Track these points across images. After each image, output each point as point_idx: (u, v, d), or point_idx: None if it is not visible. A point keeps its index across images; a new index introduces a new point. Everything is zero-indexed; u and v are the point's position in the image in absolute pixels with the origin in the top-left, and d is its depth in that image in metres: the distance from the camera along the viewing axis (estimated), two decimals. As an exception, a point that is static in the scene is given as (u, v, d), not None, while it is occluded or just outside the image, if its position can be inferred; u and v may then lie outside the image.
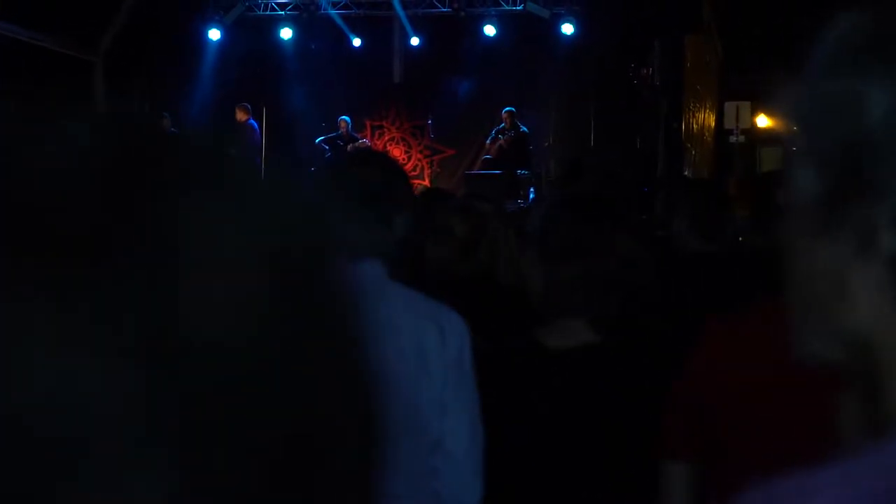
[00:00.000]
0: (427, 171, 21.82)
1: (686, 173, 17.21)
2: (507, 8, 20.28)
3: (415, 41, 20.84)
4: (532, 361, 3.10)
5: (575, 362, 3.01)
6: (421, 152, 21.88)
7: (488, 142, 18.77)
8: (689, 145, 18.01)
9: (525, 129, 18.61)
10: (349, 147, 18.68)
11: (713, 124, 20.05)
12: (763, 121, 22.96)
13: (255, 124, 18.57)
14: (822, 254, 0.92)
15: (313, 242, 0.59)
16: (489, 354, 3.22)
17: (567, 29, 19.68)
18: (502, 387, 3.13)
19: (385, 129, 22.01)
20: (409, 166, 21.75)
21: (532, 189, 17.65)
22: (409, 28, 20.67)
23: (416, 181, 21.25)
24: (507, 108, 18.57)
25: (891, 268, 0.86)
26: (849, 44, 0.93)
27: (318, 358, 0.58)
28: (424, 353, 3.02)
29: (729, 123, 20.40)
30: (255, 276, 0.53)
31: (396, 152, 21.77)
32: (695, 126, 18.16)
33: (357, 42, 21.01)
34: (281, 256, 0.55)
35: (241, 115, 18.68)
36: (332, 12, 20.64)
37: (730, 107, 20.62)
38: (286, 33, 21.06)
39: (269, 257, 0.54)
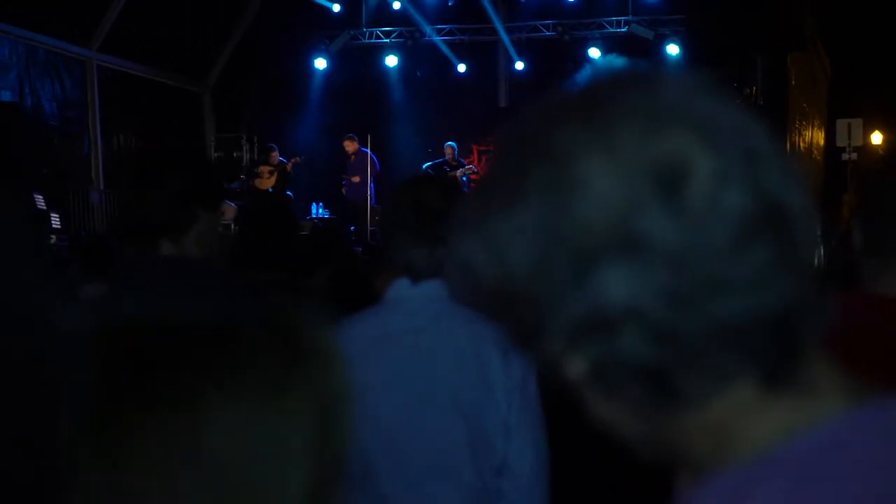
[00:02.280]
0: (534, 195, 21.79)
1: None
2: (611, 30, 20.25)
3: (519, 65, 20.89)
4: None
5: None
6: (528, 176, 21.85)
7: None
8: (796, 163, 17.75)
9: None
10: (456, 172, 18.76)
11: (822, 142, 19.75)
12: (878, 138, 22.59)
13: (368, 151, 18.72)
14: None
15: None
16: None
17: (672, 50, 19.60)
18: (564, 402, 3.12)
19: (492, 154, 22.03)
20: (515, 190, 21.76)
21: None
22: (513, 52, 20.73)
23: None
24: None
25: (597, 381, 0.92)
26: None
27: None
28: (488, 375, 3.02)
29: (841, 141, 20.05)
30: None
31: (503, 176, 21.80)
32: (801, 144, 17.89)
33: (462, 68, 21.13)
34: None
35: (350, 146, 18.84)
36: (437, 39, 20.80)
37: (841, 124, 20.28)
38: (391, 60, 21.28)
39: None
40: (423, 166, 19.27)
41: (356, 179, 18.64)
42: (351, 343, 3.10)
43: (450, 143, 19.57)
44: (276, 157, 18.85)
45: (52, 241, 12.97)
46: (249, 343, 1.03)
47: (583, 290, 0.86)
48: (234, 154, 20.69)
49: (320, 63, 21.35)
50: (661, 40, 19.77)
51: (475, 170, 20.35)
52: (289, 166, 18.68)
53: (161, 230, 3.18)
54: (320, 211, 19.92)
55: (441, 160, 19.34)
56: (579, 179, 0.85)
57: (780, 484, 0.86)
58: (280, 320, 1.08)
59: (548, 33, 20.58)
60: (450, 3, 20.88)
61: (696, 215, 0.84)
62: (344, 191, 18.94)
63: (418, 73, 21.45)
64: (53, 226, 14.40)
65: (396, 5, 20.49)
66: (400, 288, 3.12)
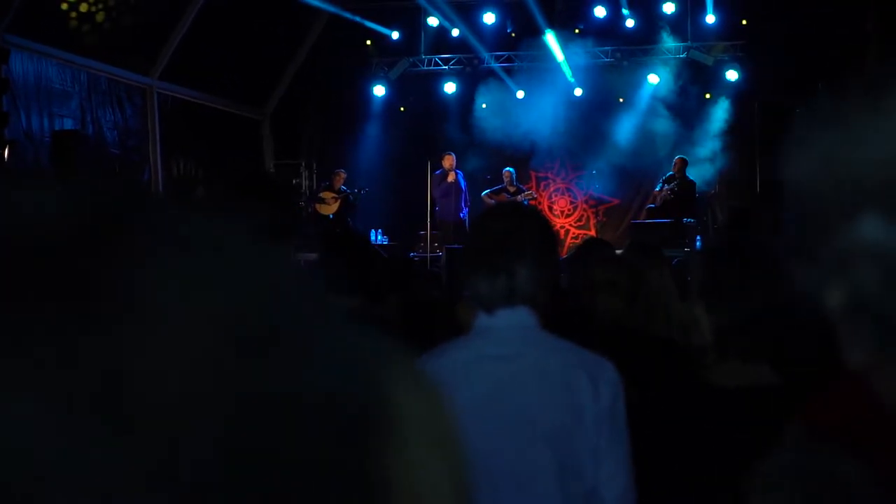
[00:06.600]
0: (592, 221, 21.76)
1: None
2: (669, 56, 20.19)
3: (578, 91, 20.82)
4: (698, 401, 3.07)
5: (741, 401, 2.97)
6: (586, 202, 21.82)
7: (657, 190, 18.57)
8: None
9: (692, 178, 18.39)
10: (517, 198, 18.73)
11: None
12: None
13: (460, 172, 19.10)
14: None
15: (279, 316, 0.55)
16: (650, 399, 3.20)
17: (731, 75, 19.52)
18: (666, 429, 3.11)
19: (550, 180, 22.02)
20: (574, 216, 21.75)
21: (698, 237, 17.40)
22: (571, 78, 20.69)
23: (582, 231, 21.22)
24: (680, 155, 18.45)
25: (844, 316, 0.96)
26: None
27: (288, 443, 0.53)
28: (577, 402, 3.02)
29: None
30: (210, 343, 0.50)
31: (562, 203, 21.82)
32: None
33: (520, 94, 21.09)
34: (241, 327, 0.52)
35: (448, 161, 19.27)
36: (495, 65, 20.86)
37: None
38: (450, 87, 21.36)
39: (227, 326, 0.51)
40: (482, 194, 19.23)
41: (451, 179, 18.71)
42: (441, 369, 3.11)
43: (508, 168, 19.57)
44: (341, 180, 18.97)
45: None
46: None
47: None
48: (294, 181, 20.83)
49: (379, 90, 21.48)
50: (721, 66, 19.70)
51: (534, 195, 20.32)
52: (352, 197, 18.84)
53: None
54: (379, 238, 19.97)
55: (500, 186, 19.33)
56: None
57: None
58: None
59: (606, 59, 20.56)
60: (508, 30, 20.97)
61: None
62: (437, 212, 18.97)
63: (477, 100, 21.46)
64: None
65: (455, 32, 20.57)
66: (486, 316, 3.12)
